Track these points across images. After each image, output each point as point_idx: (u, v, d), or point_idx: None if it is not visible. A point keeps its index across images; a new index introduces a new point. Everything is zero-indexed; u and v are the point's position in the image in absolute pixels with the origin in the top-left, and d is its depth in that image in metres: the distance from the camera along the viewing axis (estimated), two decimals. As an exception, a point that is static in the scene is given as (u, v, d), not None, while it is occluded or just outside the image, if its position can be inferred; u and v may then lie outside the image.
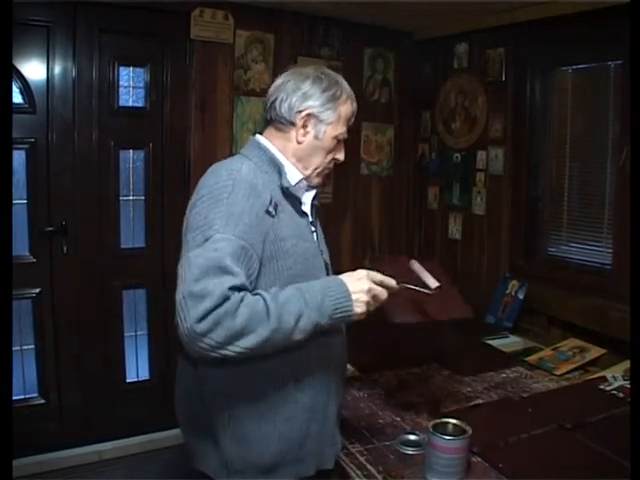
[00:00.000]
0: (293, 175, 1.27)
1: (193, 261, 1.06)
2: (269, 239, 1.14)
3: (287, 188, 1.23)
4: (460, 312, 1.46)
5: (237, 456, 1.19)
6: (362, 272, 1.16)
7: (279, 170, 1.24)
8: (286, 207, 1.22)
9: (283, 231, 1.18)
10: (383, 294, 1.17)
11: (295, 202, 1.25)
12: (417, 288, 1.28)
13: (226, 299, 1.02)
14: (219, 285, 1.02)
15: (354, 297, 1.12)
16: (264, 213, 1.15)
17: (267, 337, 1.04)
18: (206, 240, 1.08)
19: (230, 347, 1.03)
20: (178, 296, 1.05)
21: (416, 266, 1.40)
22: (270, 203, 1.17)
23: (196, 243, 1.09)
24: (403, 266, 1.42)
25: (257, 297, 1.07)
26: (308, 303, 1.08)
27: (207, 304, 1.01)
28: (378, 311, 1.21)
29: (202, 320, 1.00)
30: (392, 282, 1.20)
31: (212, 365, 1.18)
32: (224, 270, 1.05)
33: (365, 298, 1.13)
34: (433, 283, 1.32)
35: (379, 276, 1.18)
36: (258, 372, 1.18)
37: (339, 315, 1.11)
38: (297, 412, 1.22)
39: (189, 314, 1.01)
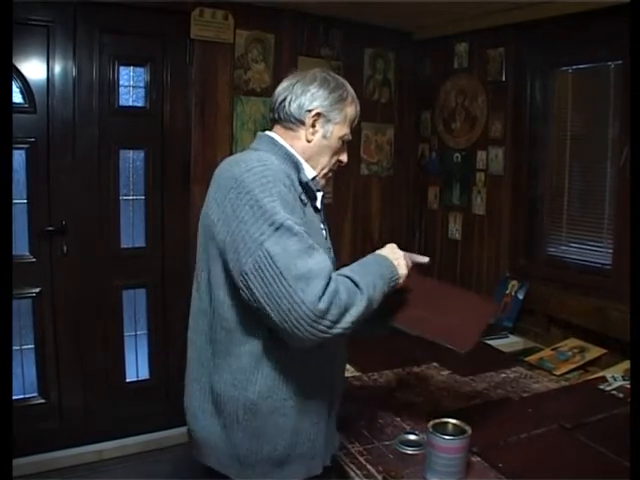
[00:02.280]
0: (308, 171, 1.29)
1: (277, 249, 1.05)
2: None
3: (306, 182, 1.24)
4: (458, 343, 1.39)
5: (249, 450, 1.19)
6: (390, 244, 1.33)
7: (296, 165, 1.25)
8: (306, 199, 1.25)
9: (309, 222, 1.21)
10: (409, 260, 1.33)
11: (312, 197, 1.27)
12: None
13: (330, 275, 1.06)
14: (322, 263, 1.07)
15: (396, 263, 1.27)
16: (299, 202, 1.19)
17: (364, 308, 1.10)
18: (277, 228, 1.06)
19: (340, 325, 1.05)
20: (276, 286, 1.03)
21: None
22: (300, 193, 1.21)
23: (266, 233, 1.06)
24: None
25: (340, 275, 1.12)
26: (375, 274, 1.18)
27: (319, 283, 1.03)
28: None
29: (320, 301, 1.02)
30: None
31: (226, 358, 1.19)
32: (313, 247, 1.09)
33: (403, 261, 1.29)
34: (422, 259, 1.40)
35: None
36: (270, 367, 1.18)
37: (394, 281, 1.24)
38: (307, 408, 1.22)
39: (305, 296, 1.02)
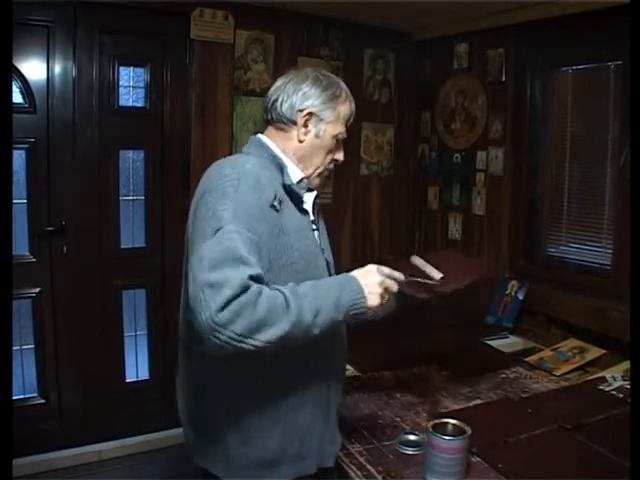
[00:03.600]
0: (294, 173, 1.28)
1: (206, 252, 1.04)
2: (274, 233, 1.15)
3: (289, 185, 1.24)
4: (477, 273, 1.44)
5: (240, 451, 1.19)
6: (372, 266, 1.18)
7: (281, 168, 1.25)
8: (289, 204, 1.23)
9: (287, 226, 1.19)
10: (394, 286, 1.18)
11: (297, 200, 1.26)
12: (423, 280, 1.30)
13: (246, 289, 1.00)
14: (238, 274, 1.01)
15: (367, 290, 1.13)
16: (269, 207, 1.16)
17: (287, 331, 1.02)
18: (216, 231, 1.06)
19: (250, 340, 1.00)
20: (194, 288, 1.02)
21: (418, 261, 1.41)
22: (275, 198, 1.18)
23: (206, 235, 1.07)
24: (406, 264, 1.43)
25: (275, 291, 1.06)
26: (325, 299, 1.09)
27: (227, 293, 0.98)
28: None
29: (223, 309, 0.97)
30: (400, 274, 1.22)
31: (215, 361, 1.18)
32: (240, 260, 1.03)
33: (378, 290, 1.14)
34: (437, 274, 1.34)
35: (387, 269, 1.19)
36: (260, 370, 1.18)
37: (355, 311, 1.12)
38: (300, 410, 1.22)
39: (208, 304, 0.98)
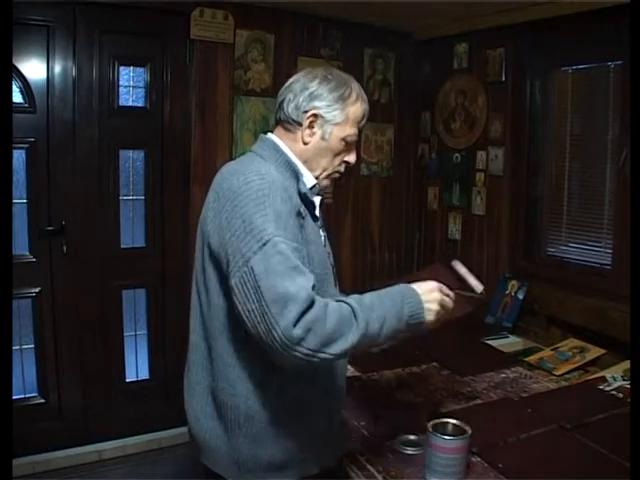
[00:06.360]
0: (308, 180, 1.26)
1: (260, 267, 1.02)
2: (302, 242, 1.14)
3: (305, 193, 1.22)
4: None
5: (249, 455, 1.19)
6: (434, 284, 1.19)
7: (296, 175, 1.23)
8: (305, 212, 1.22)
9: (308, 235, 1.18)
10: (450, 303, 1.21)
11: (310, 207, 1.24)
12: (468, 294, 1.31)
13: (312, 302, 1.01)
14: (300, 286, 1.01)
15: (426, 306, 1.15)
16: (296, 215, 1.15)
17: (356, 342, 1.04)
18: (264, 244, 1.03)
19: (321, 354, 1.01)
20: (254, 305, 1.01)
21: (460, 267, 1.38)
22: (299, 206, 1.17)
23: (253, 249, 1.03)
24: (442, 271, 1.42)
25: (340, 303, 1.07)
26: (389, 310, 1.10)
27: (295, 308, 0.99)
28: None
29: (294, 326, 0.98)
30: (452, 293, 1.24)
31: (225, 366, 1.18)
32: (296, 270, 1.03)
33: (436, 307, 1.16)
34: (479, 286, 1.33)
35: (445, 288, 1.22)
36: (269, 377, 1.18)
37: (413, 322, 1.14)
38: (307, 413, 1.22)
39: (277, 322, 0.98)
